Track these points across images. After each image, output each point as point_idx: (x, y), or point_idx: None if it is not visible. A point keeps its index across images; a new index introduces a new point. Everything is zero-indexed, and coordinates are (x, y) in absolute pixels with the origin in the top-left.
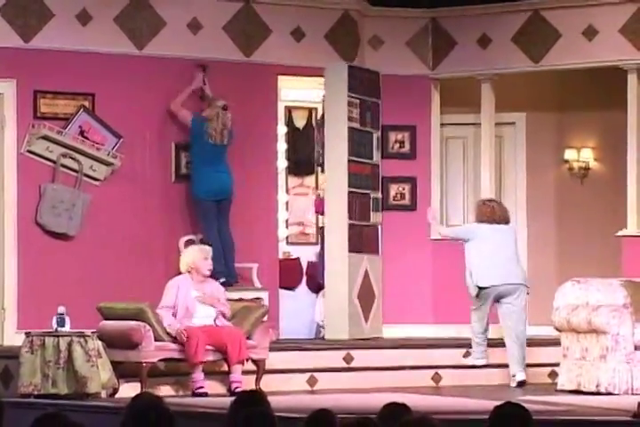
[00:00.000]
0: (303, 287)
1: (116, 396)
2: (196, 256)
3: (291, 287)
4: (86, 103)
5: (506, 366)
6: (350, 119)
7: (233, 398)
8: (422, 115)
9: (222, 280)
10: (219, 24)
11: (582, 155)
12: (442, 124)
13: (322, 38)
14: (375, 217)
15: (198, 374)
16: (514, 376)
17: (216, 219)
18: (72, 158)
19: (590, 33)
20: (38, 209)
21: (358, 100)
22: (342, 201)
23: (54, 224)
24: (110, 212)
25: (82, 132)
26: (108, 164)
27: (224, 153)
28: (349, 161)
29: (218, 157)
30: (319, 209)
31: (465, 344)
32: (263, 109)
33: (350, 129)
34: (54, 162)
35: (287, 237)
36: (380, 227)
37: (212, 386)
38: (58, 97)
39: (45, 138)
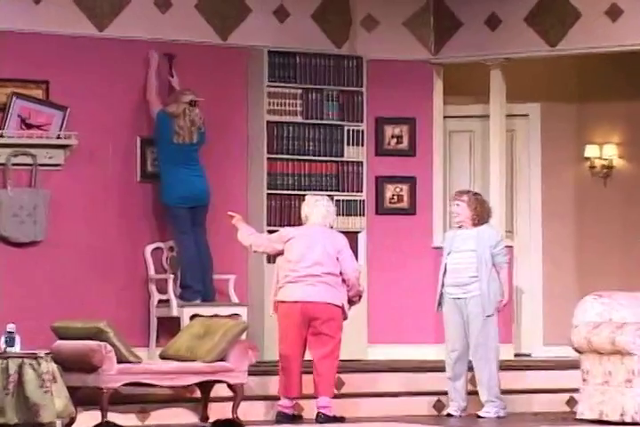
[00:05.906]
0: None
1: (73, 426)
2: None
3: None
4: (39, 92)
5: (520, 391)
6: (281, 112)
7: None
8: (423, 106)
9: (198, 301)
10: (191, 2)
11: (605, 151)
12: (445, 117)
13: (308, 18)
14: (358, 222)
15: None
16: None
17: (191, 228)
18: (24, 154)
19: (614, 13)
20: None
21: (300, 90)
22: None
23: (20, 234)
24: (67, 213)
25: (23, 121)
26: (63, 146)
27: (195, 153)
28: (269, 159)
29: (188, 157)
30: None
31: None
32: (241, 98)
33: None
34: (4, 164)
35: None
36: (363, 233)
37: (184, 414)
38: (7, 85)
39: None
